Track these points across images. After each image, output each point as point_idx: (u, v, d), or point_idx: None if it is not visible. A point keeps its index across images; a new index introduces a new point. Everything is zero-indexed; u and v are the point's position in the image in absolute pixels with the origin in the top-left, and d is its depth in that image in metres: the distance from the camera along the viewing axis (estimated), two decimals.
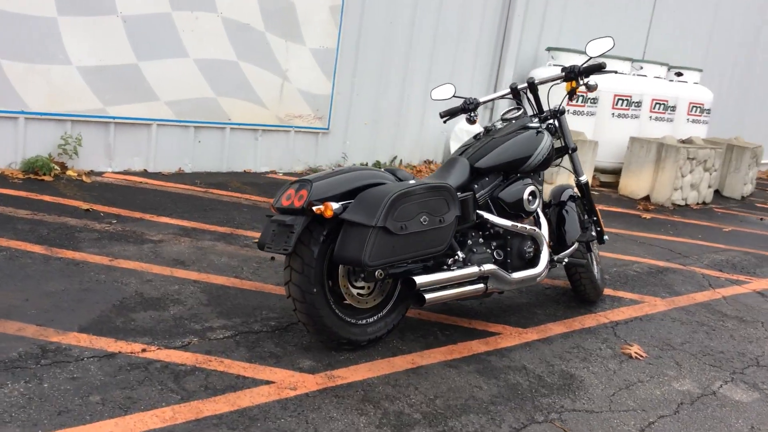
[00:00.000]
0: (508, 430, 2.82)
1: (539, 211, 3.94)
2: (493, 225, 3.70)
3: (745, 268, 5.89)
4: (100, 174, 6.04)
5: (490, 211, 3.74)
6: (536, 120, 4.06)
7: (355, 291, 3.32)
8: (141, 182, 5.96)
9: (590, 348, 3.78)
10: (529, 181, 3.88)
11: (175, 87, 6.18)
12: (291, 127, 6.96)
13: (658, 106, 9.02)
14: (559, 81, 4.09)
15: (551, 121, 4.12)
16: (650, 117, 8.98)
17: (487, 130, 4.02)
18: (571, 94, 4.09)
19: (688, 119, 9.50)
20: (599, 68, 3.94)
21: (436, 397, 3.01)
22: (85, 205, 5.04)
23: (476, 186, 3.73)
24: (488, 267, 3.55)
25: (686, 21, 10.59)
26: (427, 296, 3.31)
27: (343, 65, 7.11)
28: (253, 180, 6.63)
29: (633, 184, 8.22)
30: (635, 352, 3.77)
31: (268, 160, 6.93)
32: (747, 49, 11.87)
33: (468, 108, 4.13)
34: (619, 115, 8.68)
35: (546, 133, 3.95)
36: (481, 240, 3.70)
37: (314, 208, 3.03)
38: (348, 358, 3.25)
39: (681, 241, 6.53)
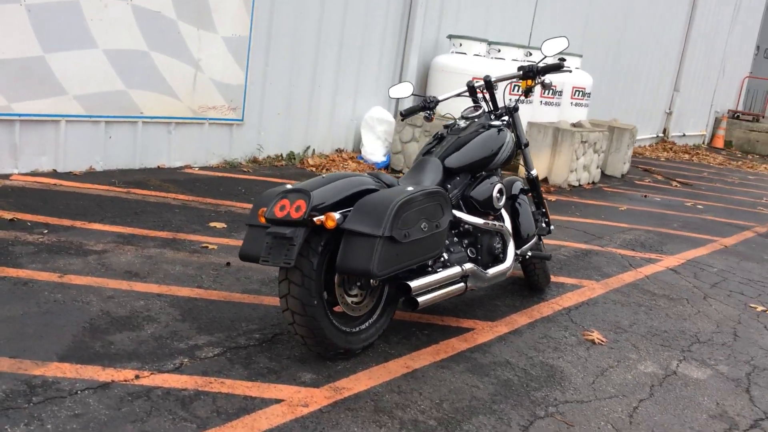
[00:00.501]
0: (518, 428, 2.92)
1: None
2: (466, 224, 3.78)
3: (653, 246, 6.35)
4: (7, 177, 5.56)
5: (461, 210, 3.82)
6: (493, 117, 4.16)
7: (349, 299, 3.30)
8: (55, 184, 5.55)
9: (556, 337, 3.96)
10: (496, 178, 3.99)
11: (83, 80, 5.78)
12: (205, 119, 6.71)
13: (546, 90, 9.44)
14: (515, 79, 4.21)
15: (506, 117, 4.24)
16: (541, 102, 9.39)
17: (448, 129, 4.07)
18: (527, 92, 4.22)
19: (571, 103, 10.01)
20: (557, 68, 4.10)
21: (442, 401, 3.06)
22: (7, 215, 4.64)
23: (449, 186, 3.79)
24: (468, 266, 3.63)
25: (566, 7, 11.12)
26: (420, 299, 3.35)
27: (256, 54, 6.93)
28: (171, 177, 6.34)
29: None
30: (597, 338, 4.00)
31: (182, 155, 6.65)
32: (617, 36, 12.64)
33: (429, 106, 4.18)
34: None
35: (507, 130, 4.07)
36: (455, 239, 3.78)
37: (315, 219, 2.98)
38: (344, 367, 3.24)
39: (589, 222, 6.92)
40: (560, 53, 4.09)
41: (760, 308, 5.00)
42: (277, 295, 3.87)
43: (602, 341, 3.98)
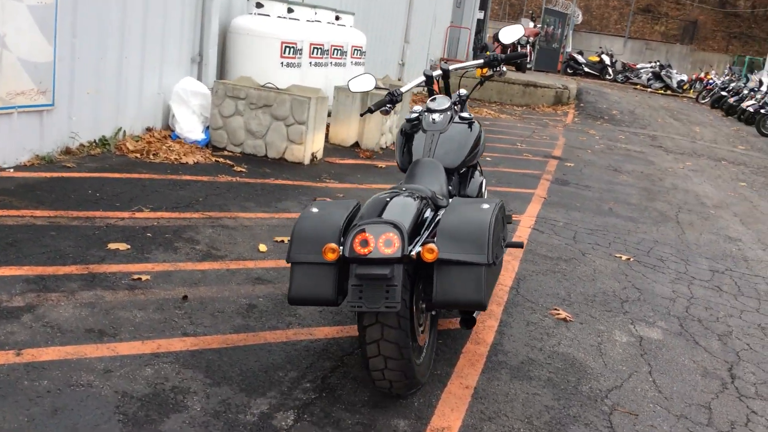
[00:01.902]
0: (605, 425, 3.07)
1: None
2: None
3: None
4: None
5: None
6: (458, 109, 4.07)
7: (420, 329, 3.12)
8: None
9: (536, 321, 4.15)
10: (477, 173, 3.98)
11: None
12: (13, 107, 5.52)
13: (336, 51, 9.39)
14: (474, 68, 4.17)
15: (458, 107, 4.20)
16: (330, 63, 9.34)
17: (411, 121, 3.91)
18: (483, 80, 4.21)
19: (352, 62, 10.11)
20: (520, 56, 4.14)
21: (527, 418, 3.08)
22: None
23: (450, 187, 3.71)
24: None
25: None
26: (474, 315, 3.29)
27: (63, 24, 5.82)
28: None
29: (343, 132, 8.56)
30: (565, 316, 4.27)
31: None
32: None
33: (396, 99, 3.99)
34: (315, 64, 8.83)
35: (476, 122, 4.04)
36: None
37: (411, 254, 2.74)
38: (420, 403, 3.08)
39: None
40: (518, 41, 4.14)
41: (624, 257, 5.71)
42: (267, 327, 3.49)
43: (570, 318, 4.26)
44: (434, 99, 4.03)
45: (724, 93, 23.78)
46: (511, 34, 4.14)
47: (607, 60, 29.59)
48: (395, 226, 2.72)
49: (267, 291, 3.97)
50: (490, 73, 4.17)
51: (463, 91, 4.23)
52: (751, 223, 7.81)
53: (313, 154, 7.40)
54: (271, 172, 6.66)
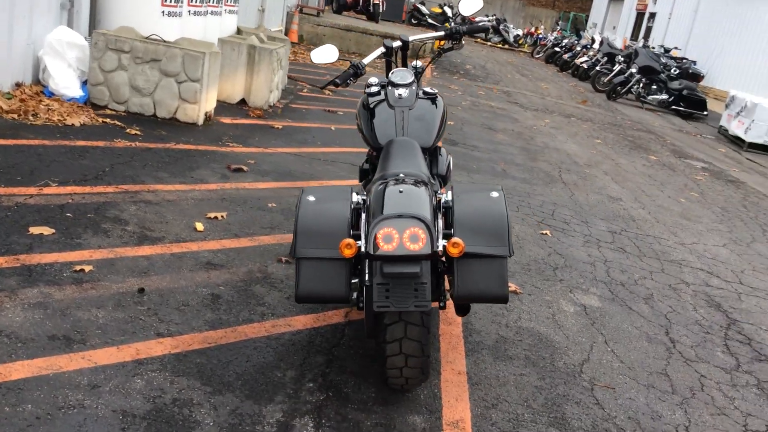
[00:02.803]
0: (597, 408, 3.21)
1: None
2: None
3: None
4: None
5: None
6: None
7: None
8: None
9: None
10: (444, 150, 3.91)
11: None
12: None
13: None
14: (433, 40, 4.06)
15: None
16: (208, 11, 8.78)
17: (373, 95, 3.78)
18: (440, 53, 4.12)
19: (226, 10, 9.57)
20: (481, 29, 4.07)
21: (524, 401, 3.15)
22: None
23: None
24: None
25: None
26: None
27: None
28: None
29: (229, 89, 8.12)
30: (515, 288, 4.38)
31: None
32: None
33: (360, 72, 3.82)
34: (195, 13, 8.25)
35: (440, 97, 3.96)
36: None
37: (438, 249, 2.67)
38: (425, 395, 3.05)
39: (333, 150, 6.98)
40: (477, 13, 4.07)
41: (536, 221, 5.93)
42: (242, 320, 3.29)
43: (519, 290, 4.37)
44: (395, 72, 3.88)
45: (557, 49, 25.12)
46: (470, 5, 4.05)
47: (448, 12, 30.22)
48: (419, 219, 2.61)
49: (224, 278, 3.71)
50: (448, 45, 4.08)
51: (418, 63, 4.11)
52: (622, 182, 8.37)
53: (206, 114, 6.95)
54: (168, 135, 6.18)
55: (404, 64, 4.04)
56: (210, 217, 4.47)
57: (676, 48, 24.01)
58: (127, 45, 6.56)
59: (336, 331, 3.39)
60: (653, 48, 22.19)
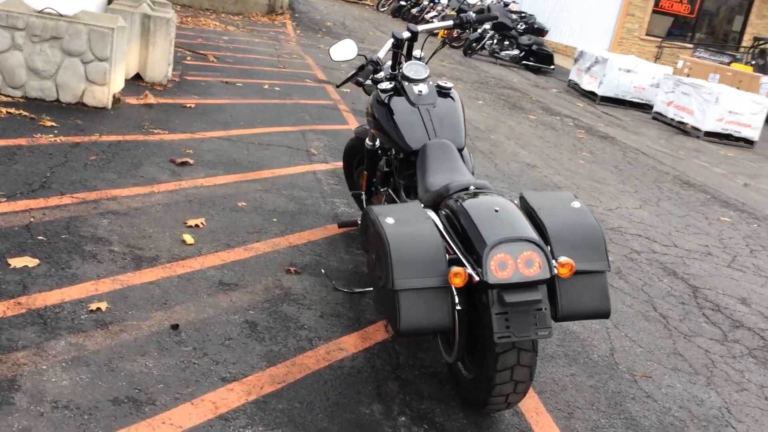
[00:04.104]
0: (643, 394, 3.35)
1: None
2: None
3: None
4: None
5: None
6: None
7: None
8: None
9: None
10: (466, 149, 3.82)
11: None
12: None
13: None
14: (443, 29, 3.91)
15: None
16: None
17: (387, 91, 3.60)
18: (445, 43, 3.98)
19: None
20: (492, 18, 3.96)
21: (592, 405, 3.22)
22: None
23: None
24: None
25: None
26: None
27: None
28: None
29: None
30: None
31: None
32: None
33: (379, 68, 3.63)
34: None
35: (454, 89, 3.84)
36: None
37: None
38: (503, 413, 3.02)
39: (260, 132, 6.60)
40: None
41: None
42: (295, 350, 3.08)
43: None
44: (409, 66, 3.70)
45: (403, 2, 25.24)
46: None
47: None
48: (532, 242, 2.53)
49: (246, 299, 3.43)
50: (456, 34, 3.94)
51: (418, 53, 3.95)
52: (525, 146, 8.65)
53: (115, 96, 6.30)
54: (85, 124, 5.54)
55: (409, 56, 3.86)
56: (191, 226, 4.09)
57: (513, 2, 24.93)
58: (21, 21, 5.75)
59: (388, 350, 3.24)
60: (493, 2, 22.90)
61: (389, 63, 3.88)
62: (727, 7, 22.35)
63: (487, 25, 17.59)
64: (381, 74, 3.78)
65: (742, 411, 3.36)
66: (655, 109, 13.78)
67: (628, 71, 14.41)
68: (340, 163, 5.85)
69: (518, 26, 19.06)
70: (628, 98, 14.50)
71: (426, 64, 3.84)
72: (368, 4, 28.89)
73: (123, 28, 6.26)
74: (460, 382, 2.90)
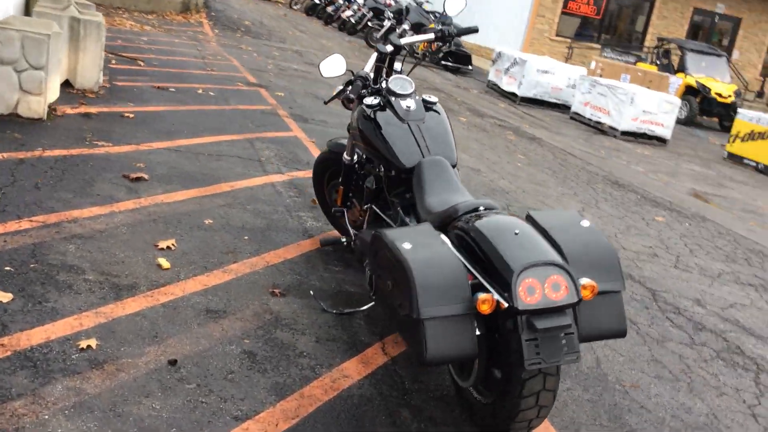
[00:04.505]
0: (636, 406, 3.44)
1: None
2: None
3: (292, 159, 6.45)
4: None
5: None
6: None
7: None
8: None
9: None
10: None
11: None
12: None
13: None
14: (426, 42, 3.88)
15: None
16: None
17: (374, 107, 3.55)
18: (424, 57, 3.95)
19: None
20: (472, 31, 3.95)
21: (594, 420, 3.27)
22: None
23: None
24: None
25: None
26: None
27: None
28: None
29: None
30: None
31: None
32: None
33: (368, 83, 3.56)
34: None
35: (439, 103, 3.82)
36: None
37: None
38: None
39: (207, 141, 6.38)
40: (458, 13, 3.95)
41: None
42: (299, 380, 2.99)
43: None
44: (394, 80, 3.65)
45: (317, 1, 25.04)
46: (455, 6, 3.91)
47: None
48: (558, 266, 2.53)
49: (238, 327, 3.30)
50: (437, 47, 3.91)
51: (398, 66, 3.91)
52: (465, 149, 8.71)
53: (50, 107, 5.94)
54: (24, 138, 5.20)
55: (390, 69, 3.81)
56: (163, 248, 3.89)
57: (427, 2, 25.17)
58: None
59: (390, 374, 3.19)
60: (409, 3, 23.05)
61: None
62: (630, 8, 23.36)
63: (405, 25, 17.68)
64: (365, 91, 3.71)
65: (726, 416, 3.49)
66: (573, 109, 14.21)
67: (546, 72, 14.81)
68: (297, 174, 5.75)
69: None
70: (546, 99, 14.90)
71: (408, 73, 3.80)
72: (281, 2, 28.52)
73: (58, 34, 5.92)
74: (474, 406, 2.87)
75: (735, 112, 16.77)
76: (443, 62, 17.85)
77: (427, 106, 3.65)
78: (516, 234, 2.64)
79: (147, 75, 8.57)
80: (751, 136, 12.64)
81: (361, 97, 3.63)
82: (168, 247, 3.90)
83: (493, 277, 2.56)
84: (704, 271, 5.84)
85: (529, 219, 2.93)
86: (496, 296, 2.48)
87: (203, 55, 11.38)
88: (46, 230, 3.78)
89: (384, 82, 3.70)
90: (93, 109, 6.42)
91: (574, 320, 2.58)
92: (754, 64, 23.65)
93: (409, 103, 3.56)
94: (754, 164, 12.47)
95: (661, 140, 13.18)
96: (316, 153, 6.64)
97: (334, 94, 3.73)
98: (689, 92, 16.33)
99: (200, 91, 8.30)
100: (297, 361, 3.10)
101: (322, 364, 3.13)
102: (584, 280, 2.57)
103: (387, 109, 3.56)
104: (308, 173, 5.81)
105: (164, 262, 3.71)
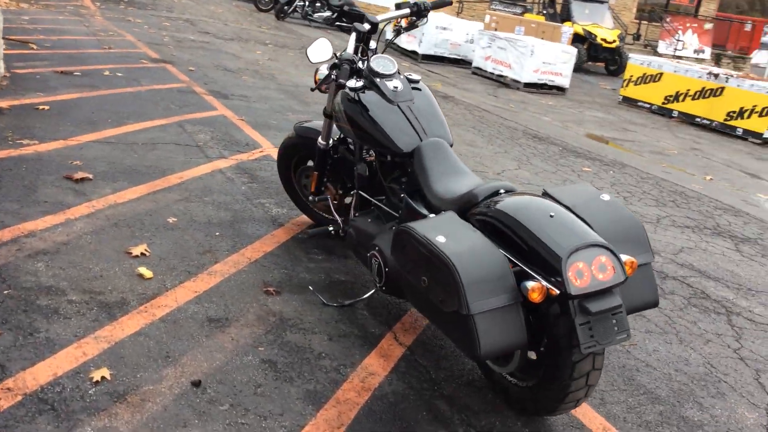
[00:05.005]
0: (641, 363, 3.55)
1: None
2: None
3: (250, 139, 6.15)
4: None
5: None
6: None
7: None
8: None
9: None
10: None
11: None
12: None
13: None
14: (400, 18, 3.73)
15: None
16: None
17: (358, 90, 3.41)
18: (400, 32, 3.80)
19: None
20: (446, 4, 3.83)
21: (610, 385, 3.35)
22: None
23: None
24: None
25: None
26: None
27: None
28: None
29: None
30: None
31: None
32: None
33: (354, 67, 3.39)
34: None
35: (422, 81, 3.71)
36: None
37: None
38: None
39: (135, 129, 5.96)
40: None
41: None
42: (330, 383, 2.88)
43: None
44: (375, 60, 3.50)
45: None
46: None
47: None
48: (602, 246, 2.52)
49: (246, 334, 3.12)
50: (411, 21, 3.77)
51: (373, 44, 3.76)
52: None
53: None
54: None
55: (366, 48, 3.65)
56: (137, 255, 3.62)
57: None
58: None
59: (413, 364, 3.12)
60: None
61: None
62: None
63: None
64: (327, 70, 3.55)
65: (720, 363, 3.64)
66: (474, 64, 14.35)
67: (444, 29, 14.85)
68: (241, 156, 5.49)
69: None
70: (446, 55, 14.97)
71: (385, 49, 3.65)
72: None
73: None
74: (509, 390, 2.85)
75: (620, 56, 17.55)
76: (337, 23, 17.55)
77: (412, 84, 3.53)
78: (551, 217, 2.60)
79: (44, 59, 7.92)
80: (644, 79, 13.20)
81: (335, 79, 3.46)
82: (142, 254, 3.63)
83: (537, 263, 2.51)
84: (645, 217, 6.05)
85: (547, 196, 2.89)
86: (545, 283, 2.44)
87: (94, 32, 10.65)
88: (5, 249, 3.42)
89: (363, 62, 3.53)
90: (2, 103, 5.85)
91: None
92: (629, 8, 24.68)
93: (396, 83, 3.42)
94: (647, 106, 13.05)
95: (560, 89, 13.54)
96: (251, 133, 6.38)
97: (321, 79, 3.53)
98: (576, 40, 16.81)
99: (107, 73, 7.76)
100: (319, 364, 2.97)
101: (344, 363, 3.01)
102: (625, 258, 2.57)
103: (372, 91, 3.41)
104: (252, 155, 5.59)
105: (145, 271, 3.45)
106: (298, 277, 3.70)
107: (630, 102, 13.38)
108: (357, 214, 3.59)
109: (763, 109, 11.17)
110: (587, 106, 12.52)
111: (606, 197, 2.85)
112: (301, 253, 3.99)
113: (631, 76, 13.45)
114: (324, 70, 3.59)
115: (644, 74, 13.20)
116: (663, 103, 12.78)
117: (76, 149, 5.07)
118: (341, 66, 3.36)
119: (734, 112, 11.67)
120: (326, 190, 4.04)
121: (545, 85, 13.37)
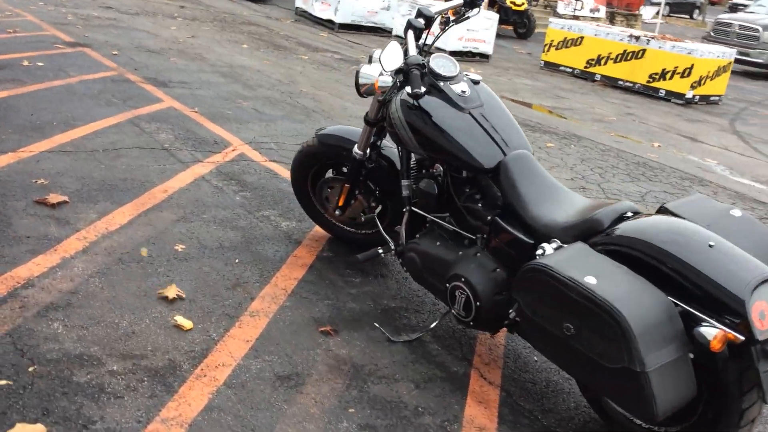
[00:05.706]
0: None
1: None
2: None
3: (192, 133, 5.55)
4: None
5: None
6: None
7: None
8: None
9: None
10: None
11: None
12: None
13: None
14: (454, 8, 3.32)
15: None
16: None
17: (420, 96, 2.99)
18: (449, 22, 3.39)
19: None
20: None
21: None
22: None
23: None
24: None
25: None
26: None
27: None
28: None
29: None
30: None
31: None
32: None
33: (425, 72, 2.96)
34: None
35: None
36: None
37: None
38: None
39: (89, 132, 5.24)
40: None
41: None
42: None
43: None
44: (435, 60, 3.08)
45: None
46: None
47: None
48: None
49: (330, 394, 2.71)
50: (462, 12, 3.36)
51: (421, 41, 3.34)
52: (341, 95, 8.15)
53: None
54: None
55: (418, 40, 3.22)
56: (170, 299, 3.09)
57: None
58: None
59: (516, 410, 2.80)
60: None
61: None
62: None
63: None
64: (385, 78, 3.10)
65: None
66: (394, 32, 13.94)
67: None
68: (215, 158, 4.95)
69: None
70: (364, 24, 14.47)
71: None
72: None
73: None
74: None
75: (529, 19, 17.62)
76: None
77: (472, 81, 3.14)
78: (711, 246, 2.30)
79: None
80: (565, 43, 13.23)
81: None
82: (177, 298, 3.10)
83: (706, 304, 2.22)
84: (630, 195, 5.94)
85: (667, 212, 2.60)
86: (727, 330, 2.15)
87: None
88: (7, 307, 2.81)
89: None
90: None
91: None
92: None
93: (463, 87, 3.02)
94: (570, 70, 13.12)
95: (484, 56, 13.38)
96: (212, 127, 5.78)
97: (383, 87, 3.06)
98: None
99: (26, 63, 6.86)
100: (421, 423, 2.60)
101: (447, 419, 2.65)
102: None
103: (435, 96, 2.99)
104: (226, 155, 5.06)
105: (183, 321, 2.93)
106: (347, 309, 3.28)
107: (552, 67, 13.40)
108: (418, 236, 3.19)
109: (685, 69, 11.40)
110: (513, 73, 12.42)
111: (737, 213, 2.59)
112: (335, 277, 3.56)
113: (552, 40, 13.45)
114: (372, 74, 3.14)
115: (565, 38, 13.22)
116: (585, 67, 12.86)
117: (33, 163, 4.36)
118: (410, 72, 2.89)
119: (656, 73, 11.86)
120: (356, 203, 3.62)
121: (470, 52, 13.16)
